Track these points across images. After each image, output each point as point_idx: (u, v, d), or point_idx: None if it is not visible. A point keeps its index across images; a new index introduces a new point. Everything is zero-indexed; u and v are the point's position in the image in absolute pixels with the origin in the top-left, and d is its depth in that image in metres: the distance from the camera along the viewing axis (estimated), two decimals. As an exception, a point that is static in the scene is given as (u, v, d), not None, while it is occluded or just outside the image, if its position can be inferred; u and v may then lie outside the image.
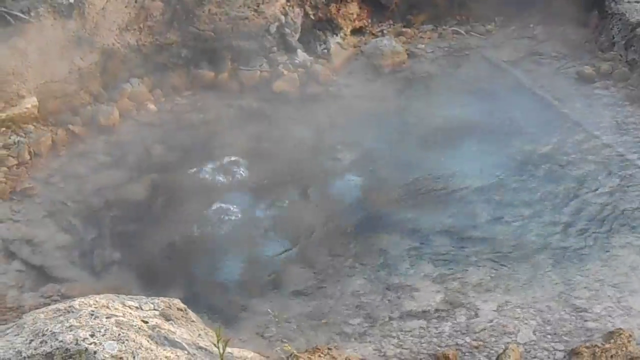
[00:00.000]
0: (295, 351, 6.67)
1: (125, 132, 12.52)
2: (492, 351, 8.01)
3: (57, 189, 11.14)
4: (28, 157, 11.48)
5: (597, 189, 10.76)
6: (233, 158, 11.83)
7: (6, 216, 10.45)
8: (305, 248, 10.08)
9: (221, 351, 3.63)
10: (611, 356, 7.47)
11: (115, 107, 12.68)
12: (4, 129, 11.55)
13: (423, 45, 15.23)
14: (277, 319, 8.24)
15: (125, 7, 13.10)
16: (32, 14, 12.01)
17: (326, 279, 9.47)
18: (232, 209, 10.77)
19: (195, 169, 11.59)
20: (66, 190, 11.13)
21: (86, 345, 3.82)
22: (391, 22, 15.84)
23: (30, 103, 11.88)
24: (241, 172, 11.57)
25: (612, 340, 7.79)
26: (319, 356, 7.36)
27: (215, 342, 3.68)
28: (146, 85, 13.37)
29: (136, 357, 3.85)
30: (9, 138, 11.53)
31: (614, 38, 14.14)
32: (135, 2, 13.25)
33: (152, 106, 13.14)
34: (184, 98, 13.50)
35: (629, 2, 14.21)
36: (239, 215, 10.68)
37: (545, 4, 15.00)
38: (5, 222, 10.35)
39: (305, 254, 9.97)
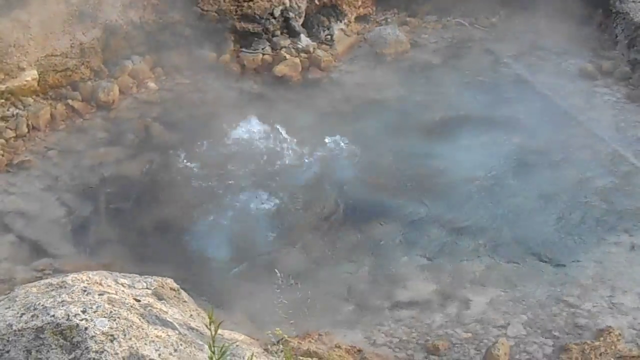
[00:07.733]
0: (286, 336, 6.68)
1: (124, 109, 12.50)
2: (482, 343, 8.09)
3: (54, 164, 11.15)
4: (26, 130, 11.47)
5: (590, 186, 10.74)
6: (231, 139, 11.83)
7: (1, 188, 10.48)
8: (297, 234, 10.09)
9: (213, 333, 3.63)
10: (600, 354, 7.52)
11: (116, 84, 12.65)
12: (2, 100, 11.50)
13: (426, 36, 15.16)
14: (283, 282, 8.23)
15: (130, -17, 13.07)
16: (36, -14, 11.98)
17: (319, 264, 9.51)
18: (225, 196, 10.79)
19: (192, 149, 11.58)
20: (63, 165, 11.14)
21: (77, 321, 3.83)
22: (395, 10, 15.77)
23: (30, 76, 11.84)
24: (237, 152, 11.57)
25: (601, 338, 7.85)
26: (309, 341, 7.39)
27: (207, 323, 3.68)
28: (147, 63, 13.33)
29: (127, 335, 3.85)
30: (8, 110, 11.49)
31: (617, 37, 14.07)
32: (140, -21, 13.23)
33: (152, 84, 13.12)
34: (184, 78, 13.44)
35: (633, 1, 14.12)
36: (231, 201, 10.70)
37: (550, -1, 14.96)
38: (1, 194, 10.38)
39: (297, 239, 9.99)
